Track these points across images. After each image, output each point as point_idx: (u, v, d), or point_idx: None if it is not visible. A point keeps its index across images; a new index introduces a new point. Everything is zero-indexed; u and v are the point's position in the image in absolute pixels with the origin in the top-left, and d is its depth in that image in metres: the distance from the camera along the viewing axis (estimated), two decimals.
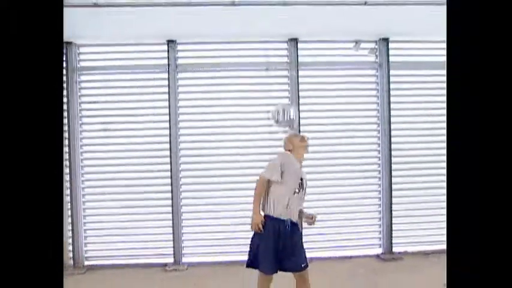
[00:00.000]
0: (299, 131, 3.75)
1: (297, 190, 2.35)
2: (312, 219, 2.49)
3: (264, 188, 2.32)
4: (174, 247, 3.77)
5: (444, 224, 4.01)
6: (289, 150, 2.46)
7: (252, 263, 2.33)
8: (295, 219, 2.35)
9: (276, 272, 2.29)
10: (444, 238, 3.90)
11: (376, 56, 3.87)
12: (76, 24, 3.30)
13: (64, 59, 3.71)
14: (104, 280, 3.48)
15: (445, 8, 1.24)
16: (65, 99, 3.71)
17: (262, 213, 2.34)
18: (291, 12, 3.21)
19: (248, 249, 2.38)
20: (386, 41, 3.82)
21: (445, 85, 3.85)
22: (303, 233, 2.54)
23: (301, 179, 2.39)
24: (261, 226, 2.25)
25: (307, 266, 2.35)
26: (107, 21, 3.31)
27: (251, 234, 2.37)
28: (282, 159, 2.37)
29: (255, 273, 2.36)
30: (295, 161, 2.41)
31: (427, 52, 3.86)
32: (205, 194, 3.83)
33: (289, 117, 3.14)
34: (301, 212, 2.47)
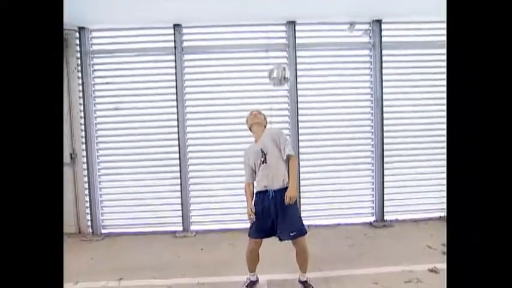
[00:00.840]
0: (297, 109, 4.04)
1: (260, 161, 2.49)
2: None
3: (248, 188, 2.60)
4: (182, 216, 4.11)
5: (433, 194, 4.31)
6: (250, 129, 2.66)
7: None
8: (281, 185, 2.44)
9: (260, 238, 2.47)
10: (433, 207, 4.23)
11: (370, 37, 4.08)
12: (89, 10, 3.55)
13: (78, 43, 3.99)
14: (120, 244, 3.82)
15: None
16: (79, 81, 4.01)
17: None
18: None
19: None
20: (379, 22, 4.03)
21: (434, 64, 4.08)
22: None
23: (261, 149, 2.50)
24: (251, 215, 2.48)
25: (299, 234, 2.39)
26: (117, 7, 3.52)
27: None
28: (244, 160, 2.64)
29: None
30: (252, 146, 2.62)
31: (418, 33, 4.08)
32: (211, 167, 4.13)
33: (284, 76, 3.26)
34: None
